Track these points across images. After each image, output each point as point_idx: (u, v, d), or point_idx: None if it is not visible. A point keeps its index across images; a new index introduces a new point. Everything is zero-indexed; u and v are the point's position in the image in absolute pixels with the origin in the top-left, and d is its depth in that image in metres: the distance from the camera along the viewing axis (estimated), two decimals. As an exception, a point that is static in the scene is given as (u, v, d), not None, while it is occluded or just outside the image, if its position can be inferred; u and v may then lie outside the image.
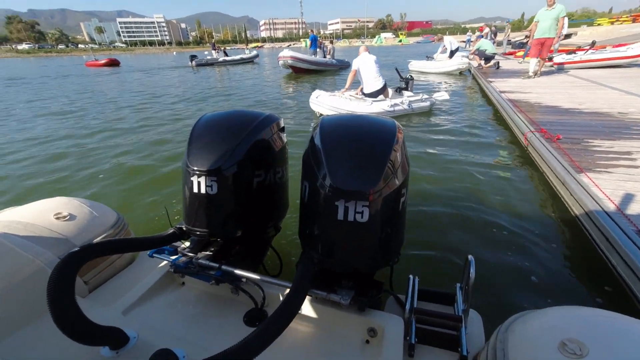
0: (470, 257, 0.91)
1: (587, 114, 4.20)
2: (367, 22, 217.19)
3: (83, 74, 17.73)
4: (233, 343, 0.65)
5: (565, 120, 3.94)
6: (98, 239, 1.17)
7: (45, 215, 1.14)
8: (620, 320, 0.68)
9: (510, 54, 15.04)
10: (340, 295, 0.90)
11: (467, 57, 11.31)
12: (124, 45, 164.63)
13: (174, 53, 60.20)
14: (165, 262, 1.14)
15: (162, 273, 1.13)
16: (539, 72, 7.48)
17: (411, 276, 1.10)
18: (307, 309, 1.02)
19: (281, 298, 1.04)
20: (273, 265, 1.44)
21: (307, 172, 0.92)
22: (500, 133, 4.56)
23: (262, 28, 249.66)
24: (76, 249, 0.76)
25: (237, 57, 22.16)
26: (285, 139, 1.23)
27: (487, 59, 10.18)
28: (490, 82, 7.20)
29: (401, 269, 1.85)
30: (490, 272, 1.87)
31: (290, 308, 0.76)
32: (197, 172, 0.97)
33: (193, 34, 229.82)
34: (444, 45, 12.62)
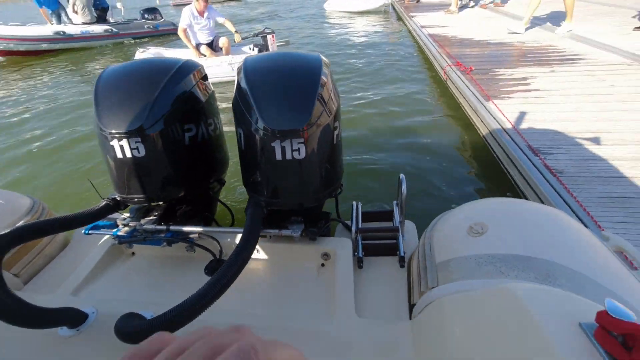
0: (401, 175, 1.02)
1: (494, 44, 4.64)
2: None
3: None
4: None
5: (476, 53, 4.32)
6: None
7: None
8: (518, 203, 0.88)
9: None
10: (291, 230, 0.97)
11: None
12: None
13: None
14: (106, 237, 1.07)
15: (107, 248, 1.06)
16: (457, 3, 7.63)
17: (354, 202, 1.24)
18: (263, 249, 1.07)
19: None
20: (226, 218, 1.45)
21: (239, 119, 0.91)
22: (423, 69, 4.84)
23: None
24: None
25: None
26: (211, 88, 1.15)
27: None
28: (412, 17, 7.33)
29: (346, 197, 2.07)
30: (420, 187, 2.26)
31: (244, 251, 0.79)
32: (116, 135, 0.86)
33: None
34: None
